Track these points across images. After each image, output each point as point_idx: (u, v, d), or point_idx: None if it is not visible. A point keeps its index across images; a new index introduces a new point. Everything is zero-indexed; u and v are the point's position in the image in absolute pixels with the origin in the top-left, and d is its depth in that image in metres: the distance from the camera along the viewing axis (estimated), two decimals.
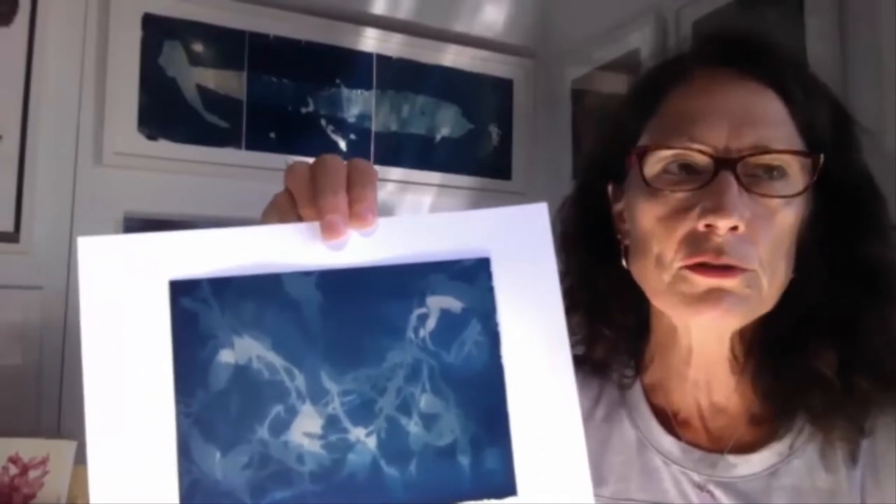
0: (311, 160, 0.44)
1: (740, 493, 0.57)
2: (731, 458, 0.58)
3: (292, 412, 0.39)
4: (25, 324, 1.39)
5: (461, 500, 0.40)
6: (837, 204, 0.57)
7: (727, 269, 0.52)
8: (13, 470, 1.19)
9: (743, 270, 0.53)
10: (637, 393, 0.64)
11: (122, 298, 0.39)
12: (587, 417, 0.64)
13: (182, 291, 0.39)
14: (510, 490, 0.40)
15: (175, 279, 0.40)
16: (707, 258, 0.52)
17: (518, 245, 0.43)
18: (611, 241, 0.63)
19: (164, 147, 1.54)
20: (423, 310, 0.42)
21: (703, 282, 0.53)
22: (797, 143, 0.55)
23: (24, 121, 1.42)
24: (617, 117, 0.64)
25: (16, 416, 1.35)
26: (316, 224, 0.41)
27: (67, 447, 1.20)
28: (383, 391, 0.40)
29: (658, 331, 0.63)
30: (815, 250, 0.56)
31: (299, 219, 0.43)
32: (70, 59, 1.48)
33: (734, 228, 0.52)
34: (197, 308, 0.40)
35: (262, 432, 0.39)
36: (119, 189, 1.50)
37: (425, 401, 0.40)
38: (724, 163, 0.53)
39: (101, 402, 0.38)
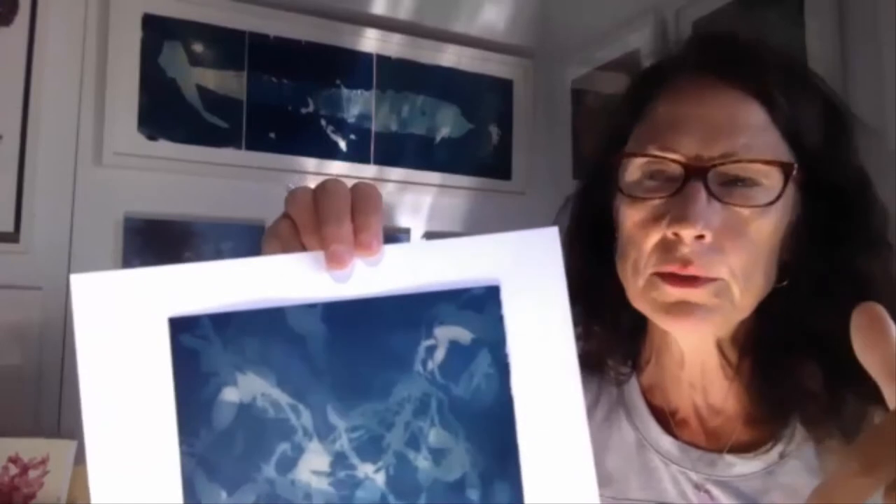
0: (312, 186, 0.43)
1: (738, 493, 0.57)
2: (729, 458, 0.58)
3: (299, 450, 0.38)
4: (25, 324, 1.39)
5: None
6: (826, 209, 0.56)
7: (694, 280, 0.53)
8: (13, 470, 1.19)
9: (710, 280, 0.53)
10: (635, 393, 0.64)
11: (120, 337, 0.38)
12: (587, 418, 0.65)
13: (182, 328, 0.38)
14: None
15: (174, 316, 0.38)
16: (674, 268, 0.53)
17: (528, 271, 0.42)
18: (610, 239, 0.63)
19: (164, 147, 1.54)
20: (431, 341, 0.40)
21: (672, 292, 0.54)
22: (780, 149, 0.55)
23: (24, 121, 1.42)
24: (612, 119, 0.65)
25: (16, 416, 1.35)
26: (320, 254, 0.40)
27: (67, 447, 1.20)
28: (391, 426, 0.39)
29: (653, 333, 0.64)
30: (803, 257, 0.56)
31: (302, 248, 0.41)
32: (70, 59, 1.48)
33: (701, 237, 0.52)
34: (198, 345, 0.39)
35: (269, 471, 0.38)
36: (119, 189, 1.50)
37: (434, 435, 0.40)
38: (694, 171, 0.53)
39: (102, 444, 0.37)
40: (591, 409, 0.66)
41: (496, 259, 0.41)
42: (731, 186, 0.54)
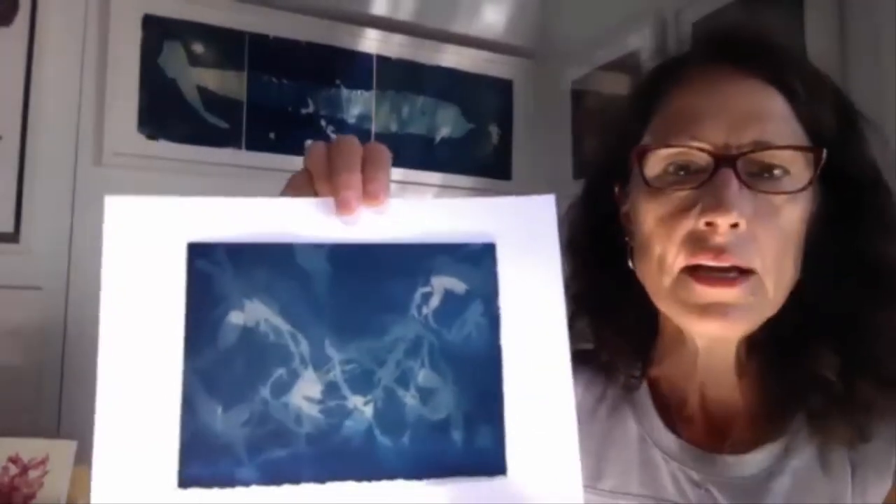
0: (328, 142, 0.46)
1: (738, 493, 0.57)
2: (730, 458, 0.58)
3: (294, 375, 0.40)
4: (25, 324, 1.39)
5: (451, 475, 0.40)
6: (842, 200, 0.56)
7: (727, 280, 0.52)
8: (13, 470, 1.19)
9: (744, 277, 0.52)
10: (642, 389, 0.64)
11: (142, 256, 0.41)
12: (592, 413, 0.65)
13: (199, 254, 0.41)
14: (500, 469, 0.41)
15: (193, 241, 0.41)
16: (707, 258, 0.52)
17: (524, 234, 0.44)
18: (617, 243, 0.62)
19: (164, 147, 1.54)
20: (427, 289, 0.43)
21: (704, 293, 0.53)
22: (801, 139, 0.54)
23: (24, 121, 1.42)
24: (620, 118, 0.64)
25: (16, 416, 1.35)
26: (330, 200, 0.42)
27: (67, 447, 1.20)
28: (383, 363, 0.41)
29: (666, 331, 0.63)
30: (820, 249, 0.56)
31: (315, 195, 0.44)
32: (70, 59, 1.48)
33: (735, 226, 0.51)
34: (212, 270, 0.41)
35: (264, 392, 0.40)
36: (119, 189, 1.48)
37: (423, 375, 0.41)
38: (724, 160, 0.52)
39: (112, 348, 0.39)
40: (595, 405, 0.65)
41: (494, 219, 0.44)
42: (759, 175, 0.53)
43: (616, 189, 0.63)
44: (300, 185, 0.45)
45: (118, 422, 0.38)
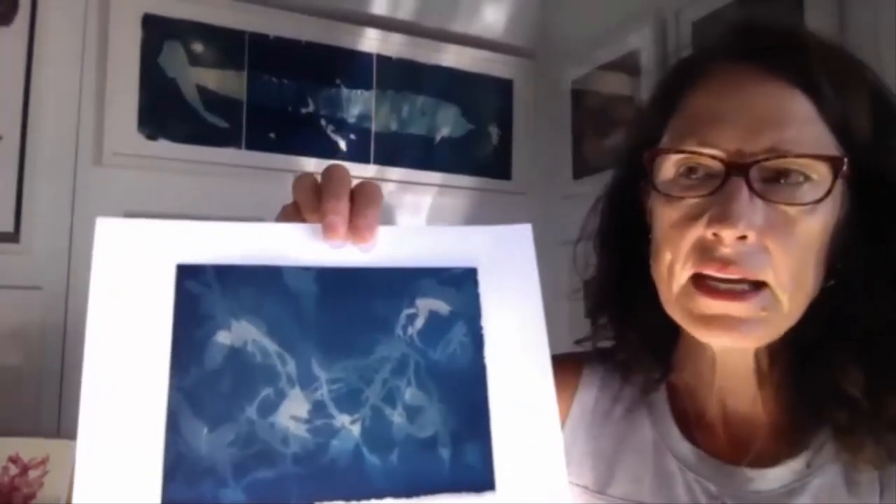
0: (318, 173, 0.46)
1: None
2: (749, 472, 0.55)
3: (281, 395, 0.40)
4: (25, 324, 1.39)
5: (440, 491, 0.41)
6: (877, 203, 0.52)
7: (734, 294, 0.50)
8: (13, 470, 1.19)
9: (755, 291, 0.50)
10: (660, 394, 0.62)
11: (131, 277, 0.41)
12: (606, 414, 0.63)
13: (188, 275, 0.42)
14: (488, 485, 0.41)
15: (182, 263, 0.42)
16: (714, 269, 0.50)
17: (504, 260, 0.46)
18: (642, 239, 0.59)
19: (164, 147, 1.54)
20: (412, 310, 0.44)
21: (709, 304, 0.51)
22: (827, 142, 0.51)
23: (24, 121, 1.42)
24: (644, 113, 0.61)
25: (16, 416, 1.35)
26: (318, 225, 0.43)
27: (67, 447, 1.20)
28: (370, 382, 0.42)
29: (684, 335, 0.60)
30: (851, 254, 0.52)
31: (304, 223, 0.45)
32: (70, 59, 1.48)
33: (743, 238, 0.49)
34: (200, 291, 0.41)
35: (251, 412, 0.40)
36: (119, 189, 1.50)
37: (410, 394, 0.42)
38: (735, 168, 0.50)
39: (97, 368, 0.39)
40: (610, 407, 0.63)
41: (475, 246, 0.46)
42: (775, 183, 0.50)
43: (641, 184, 0.60)
44: (289, 216, 0.46)
45: (101, 442, 0.38)
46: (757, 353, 0.56)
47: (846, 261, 0.52)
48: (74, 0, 1.49)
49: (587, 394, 0.65)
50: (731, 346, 0.53)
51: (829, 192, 0.49)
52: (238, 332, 0.41)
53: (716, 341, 0.53)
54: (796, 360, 0.54)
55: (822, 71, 0.52)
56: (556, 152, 1.87)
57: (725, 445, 0.58)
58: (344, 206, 0.43)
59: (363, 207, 0.43)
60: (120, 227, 0.42)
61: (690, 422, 0.60)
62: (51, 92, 1.45)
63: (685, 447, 0.58)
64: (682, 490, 0.57)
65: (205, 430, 0.39)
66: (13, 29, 1.42)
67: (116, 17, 1.51)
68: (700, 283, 0.51)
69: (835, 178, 0.49)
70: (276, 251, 0.43)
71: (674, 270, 0.53)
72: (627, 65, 1.65)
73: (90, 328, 0.40)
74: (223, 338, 0.41)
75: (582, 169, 1.78)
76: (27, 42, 1.43)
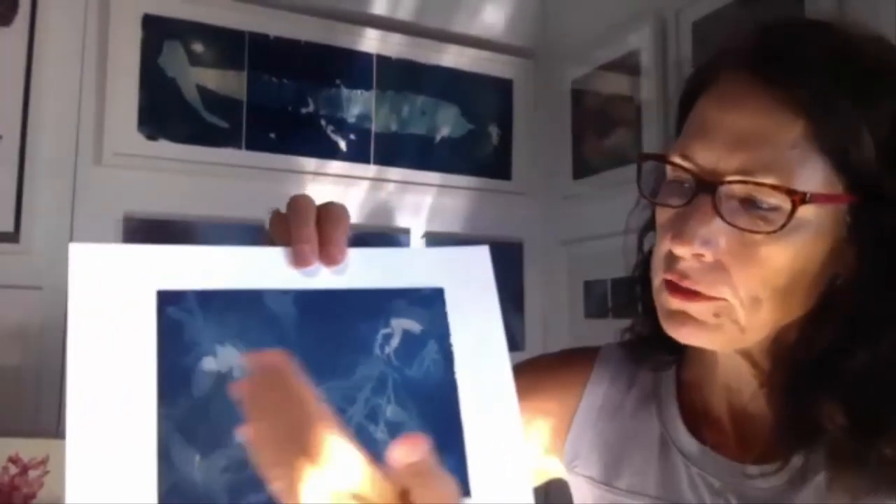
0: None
1: None
2: (752, 468, 0.55)
3: None
4: (25, 324, 1.39)
5: None
6: (883, 230, 0.49)
7: (691, 293, 0.51)
8: (13, 470, 1.19)
9: (709, 298, 0.51)
10: (669, 388, 0.63)
11: (110, 305, 0.41)
12: (616, 408, 0.64)
13: (168, 301, 0.41)
14: (464, 492, 0.43)
15: (162, 289, 0.41)
16: (674, 278, 0.52)
17: (466, 280, 0.49)
18: None
19: (164, 147, 1.54)
20: (388, 329, 0.46)
21: (670, 300, 0.53)
22: (814, 168, 0.48)
23: (24, 121, 1.42)
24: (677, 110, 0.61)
25: (16, 416, 1.35)
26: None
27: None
28: (353, 401, 0.43)
29: None
30: (854, 276, 0.50)
31: None
32: (70, 59, 1.48)
33: (700, 255, 0.50)
34: (182, 317, 0.41)
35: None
36: (119, 189, 1.50)
37: (391, 411, 0.44)
38: (704, 185, 0.50)
39: (83, 403, 0.39)
40: (621, 400, 0.65)
41: (440, 267, 0.49)
42: (746, 204, 0.49)
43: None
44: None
45: (91, 479, 0.37)
46: (754, 355, 0.56)
47: (852, 282, 0.51)
48: (74, 0, 1.49)
49: (597, 388, 0.67)
50: (691, 343, 0.55)
51: (783, 226, 0.48)
52: (223, 358, 0.41)
53: (675, 336, 0.54)
54: (798, 367, 0.54)
55: (829, 88, 0.48)
56: (556, 152, 1.87)
57: (732, 441, 0.59)
58: (311, 232, 0.44)
59: (331, 231, 0.45)
60: (96, 252, 0.42)
61: (698, 417, 0.61)
62: (51, 92, 1.45)
63: (690, 442, 0.59)
64: (686, 484, 0.58)
65: (197, 458, 0.39)
66: (13, 29, 1.42)
67: (116, 17, 1.51)
68: (667, 280, 0.54)
69: (791, 212, 0.47)
70: (254, 274, 0.44)
71: (656, 268, 0.55)
72: (627, 65, 1.65)
73: (71, 360, 0.39)
74: (209, 364, 0.41)
75: (582, 169, 1.78)
76: (27, 42, 1.43)
